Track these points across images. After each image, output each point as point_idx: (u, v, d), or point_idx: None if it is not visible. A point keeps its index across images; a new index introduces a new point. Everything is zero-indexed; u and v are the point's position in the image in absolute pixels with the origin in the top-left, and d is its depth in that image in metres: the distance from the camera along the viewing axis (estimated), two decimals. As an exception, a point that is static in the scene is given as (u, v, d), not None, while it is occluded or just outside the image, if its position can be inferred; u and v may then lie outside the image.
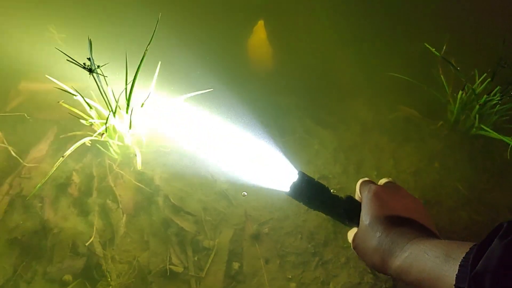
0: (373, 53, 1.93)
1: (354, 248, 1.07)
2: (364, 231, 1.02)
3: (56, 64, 1.63)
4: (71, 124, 1.62)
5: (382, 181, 1.18)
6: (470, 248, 0.74)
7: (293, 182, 1.15)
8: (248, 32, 1.91)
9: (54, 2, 2.08)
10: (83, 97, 1.39)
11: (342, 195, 1.15)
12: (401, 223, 0.97)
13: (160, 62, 1.53)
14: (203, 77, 1.83)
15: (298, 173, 1.16)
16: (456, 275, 0.72)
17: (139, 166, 1.39)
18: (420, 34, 1.88)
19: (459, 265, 0.73)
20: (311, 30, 1.96)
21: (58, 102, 1.46)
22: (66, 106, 1.45)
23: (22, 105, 1.72)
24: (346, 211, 1.12)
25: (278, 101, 1.78)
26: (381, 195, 1.05)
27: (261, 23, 1.87)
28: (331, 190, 1.17)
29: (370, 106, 1.75)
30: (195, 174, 1.55)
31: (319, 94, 1.81)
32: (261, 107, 1.74)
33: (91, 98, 1.46)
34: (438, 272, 0.78)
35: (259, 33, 1.88)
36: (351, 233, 1.11)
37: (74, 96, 1.39)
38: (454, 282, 0.72)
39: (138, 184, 1.50)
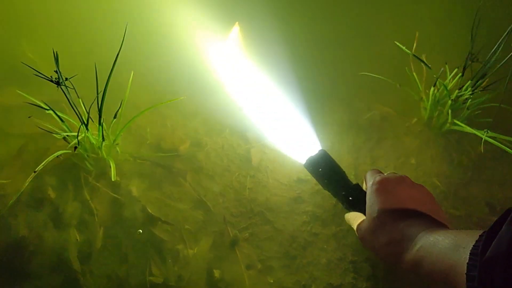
0: (347, 54, 1.94)
1: (360, 239, 1.11)
2: (371, 224, 1.05)
3: (29, 78, 1.60)
4: (44, 138, 1.59)
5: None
6: (479, 236, 0.76)
7: (313, 156, 1.34)
8: (223, 38, 1.91)
9: (26, 17, 2.06)
10: (54, 111, 1.37)
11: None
12: (409, 215, 0.99)
13: (132, 72, 1.52)
14: (177, 84, 1.83)
15: (319, 151, 1.35)
16: (467, 263, 0.73)
17: (113, 178, 1.37)
18: (391, 33, 1.90)
19: (470, 253, 0.74)
20: (286, 34, 1.96)
21: (29, 117, 1.45)
22: (37, 120, 1.43)
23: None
24: (352, 196, 1.26)
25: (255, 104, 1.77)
26: (386, 186, 1.06)
27: (236, 28, 1.87)
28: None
29: (345, 107, 1.75)
30: (172, 183, 1.53)
31: (295, 96, 1.82)
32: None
33: (64, 111, 1.44)
34: (449, 263, 0.79)
35: (235, 38, 1.88)
36: (354, 219, 1.14)
37: (46, 110, 1.37)
38: (465, 271, 0.73)
39: (114, 195, 1.48)
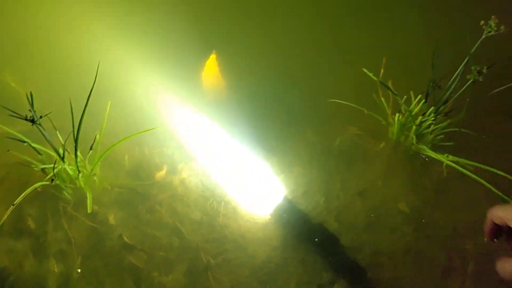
0: (318, 82, 2.01)
1: None
2: None
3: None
4: (25, 169, 1.64)
5: None
6: None
7: None
8: (202, 65, 1.98)
9: (9, 50, 2.12)
10: (31, 145, 1.42)
11: None
12: None
13: (110, 102, 1.58)
14: (152, 113, 1.88)
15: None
16: None
17: (89, 209, 1.42)
18: (359, 60, 1.96)
19: None
20: (260, 62, 2.03)
21: (8, 150, 1.50)
22: (15, 153, 1.48)
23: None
24: None
25: (230, 130, 1.84)
26: None
27: (213, 57, 1.94)
28: None
29: (317, 132, 1.82)
30: (149, 210, 1.59)
31: (269, 122, 1.88)
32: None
33: (43, 142, 1.49)
34: None
35: (211, 66, 1.94)
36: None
37: (23, 143, 1.42)
38: None
39: (92, 224, 1.53)
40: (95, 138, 1.47)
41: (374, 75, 1.67)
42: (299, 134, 1.82)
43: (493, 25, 1.34)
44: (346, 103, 1.70)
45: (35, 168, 1.47)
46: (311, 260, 1.45)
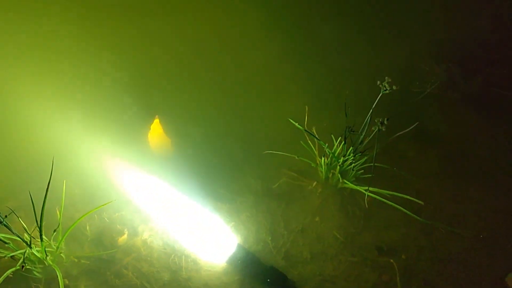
0: (254, 135, 2.25)
1: None
2: None
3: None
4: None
5: None
6: None
7: None
8: (147, 129, 2.16)
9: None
10: (-2, 238, 1.54)
11: None
12: None
13: (65, 181, 1.72)
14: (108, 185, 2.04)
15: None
16: None
17: (61, 286, 1.55)
18: (286, 112, 2.22)
19: None
20: (202, 121, 2.25)
21: (-25, 243, 1.60)
22: (-17, 246, 1.59)
23: None
24: None
25: (181, 186, 2.03)
26: None
27: (156, 121, 2.12)
28: None
29: (258, 178, 2.06)
30: (116, 275, 1.75)
31: (215, 174, 2.10)
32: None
33: (14, 223, 1.61)
34: None
35: (156, 128, 2.13)
36: None
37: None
38: None
39: (65, 299, 1.66)
40: (59, 224, 1.62)
41: (300, 123, 1.93)
42: (242, 182, 2.05)
43: (387, 85, 1.65)
44: (280, 153, 1.95)
45: (5, 258, 1.58)
46: (267, 298, 1.69)
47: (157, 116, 2.16)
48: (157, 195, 1.99)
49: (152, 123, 2.14)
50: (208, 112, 2.33)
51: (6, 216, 1.44)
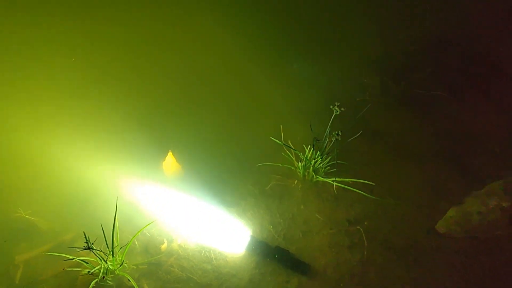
0: (245, 152, 2.93)
1: None
2: None
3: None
4: (72, 274, 2.35)
5: None
6: None
7: None
8: (162, 160, 2.80)
9: (21, 188, 2.74)
10: (84, 261, 2.16)
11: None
12: None
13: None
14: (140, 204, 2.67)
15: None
16: None
17: (136, 286, 2.19)
18: (268, 132, 2.90)
19: None
20: (209, 149, 2.92)
21: (63, 269, 2.21)
22: (69, 269, 2.20)
23: (25, 274, 2.39)
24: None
25: (196, 198, 2.69)
26: None
27: (170, 154, 2.76)
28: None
29: (254, 185, 2.75)
30: (167, 272, 2.40)
31: (220, 185, 2.77)
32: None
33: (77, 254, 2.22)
34: None
35: (170, 159, 2.77)
36: None
37: (72, 259, 2.15)
38: None
39: (134, 295, 2.31)
40: (128, 244, 2.25)
41: (278, 139, 2.64)
42: (243, 189, 2.74)
43: (336, 108, 2.37)
44: (268, 164, 2.65)
45: (88, 273, 2.20)
46: (278, 268, 2.40)
47: (170, 151, 2.80)
48: (181, 209, 2.65)
49: (166, 156, 2.78)
50: (209, 138, 2.99)
51: (92, 244, 2.06)
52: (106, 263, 2.21)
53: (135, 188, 2.73)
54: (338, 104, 2.40)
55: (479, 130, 3.05)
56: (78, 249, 2.05)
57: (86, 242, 2.03)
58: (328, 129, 2.52)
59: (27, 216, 2.59)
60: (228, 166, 2.87)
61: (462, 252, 2.47)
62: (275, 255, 2.43)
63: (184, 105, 3.22)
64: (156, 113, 3.17)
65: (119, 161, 2.85)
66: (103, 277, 2.20)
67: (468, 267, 2.40)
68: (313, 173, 2.66)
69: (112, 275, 2.33)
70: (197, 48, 3.55)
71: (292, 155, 2.72)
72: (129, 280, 2.28)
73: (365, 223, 2.58)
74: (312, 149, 2.62)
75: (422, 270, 2.39)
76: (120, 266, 2.29)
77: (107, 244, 2.22)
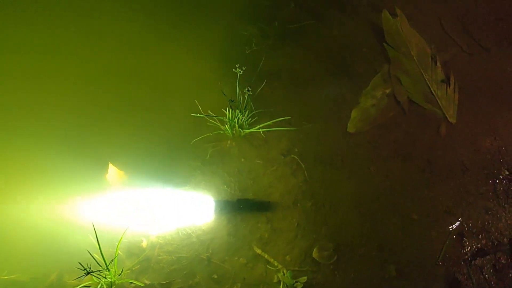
0: (178, 132, 3.19)
1: None
2: None
3: None
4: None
5: None
6: None
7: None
8: (105, 174, 2.97)
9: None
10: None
11: None
12: None
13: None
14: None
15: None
16: None
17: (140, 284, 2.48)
18: (186, 111, 3.16)
19: None
20: (141, 148, 3.11)
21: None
22: None
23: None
24: None
25: (150, 190, 2.95)
26: None
27: (110, 164, 2.93)
28: None
29: (196, 159, 3.08)
30: (157, 262, 2.71)
31: (166, 173, 3.05)
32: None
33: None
34: None
35: (112, 169, 2.94)
36: None
37: None
38: None
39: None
40: (115, 254, 2.49)
41: (199, 112, 2.95)
42: (187, 167, 3.06)
43: (239, 70, 2.73)
44: (199, 137, 2.98)
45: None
46: (246, 215, 2.83)
47: (109, 162, 2.96)
48: (142, 207, 2.90)
49: (108, 167, 2.94)
50: (140, 136, 3.19)
51: (90, 268, 2.28)
52: (106, 278, 2.45)
53: (92, 208, 2.89)
54: (238, 65, 2.75)
55: (349, 41, 3.66)
56: (79, 278, 2.25)
57: (85, 269, 2.24)
58: (237, 89, 2.89)
59: (5, 278, 2.65)
60: (166, 154, 3.13)
61: (372, 140, 3.14)
62: (239, 207, 2.85)
63: (100, 112, 3.31)
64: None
65: (64, 191, 2.94)
66: (106, 290, 2.45)
67: (380, 147, 3.09)
68: (239, 129, 3.05)
69: (114, 287, 2.58)
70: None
71: (217, 122, 3.07)
72: (131, 283, 2.55)
73: (296, 150, 3.09)
74: (231, 109, 2.98)
75: (349, 165, 3.02)
76: (119, 275, 2.54)
77: (98, 263, 2.44)
